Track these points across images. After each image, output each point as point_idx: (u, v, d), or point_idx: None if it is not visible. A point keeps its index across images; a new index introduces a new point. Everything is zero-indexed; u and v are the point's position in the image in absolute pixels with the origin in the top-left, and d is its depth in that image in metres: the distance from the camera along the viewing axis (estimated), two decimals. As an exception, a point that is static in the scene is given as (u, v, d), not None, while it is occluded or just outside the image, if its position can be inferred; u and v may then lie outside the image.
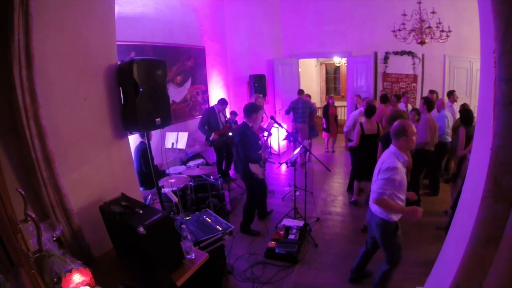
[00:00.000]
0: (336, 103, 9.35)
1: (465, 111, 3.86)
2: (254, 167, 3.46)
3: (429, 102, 4.04)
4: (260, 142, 3.65)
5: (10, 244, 0.94)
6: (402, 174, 2.17)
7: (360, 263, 2.74)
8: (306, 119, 6.14)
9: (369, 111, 4.05)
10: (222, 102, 5.28)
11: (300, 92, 6.34)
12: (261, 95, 5.70)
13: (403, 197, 2.26)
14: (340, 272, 2.95)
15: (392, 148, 2.24)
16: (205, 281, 2.26)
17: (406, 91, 6.45)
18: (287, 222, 3.72)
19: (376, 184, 2.21)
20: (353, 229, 3.79)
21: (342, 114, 9.72)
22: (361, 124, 4.12)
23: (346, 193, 4.86)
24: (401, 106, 5.48)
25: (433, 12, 5.20)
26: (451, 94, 5.25)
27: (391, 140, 2.96)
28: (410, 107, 5.73)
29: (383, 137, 3.53)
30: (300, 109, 6.08)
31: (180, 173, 4.02)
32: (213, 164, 5.61)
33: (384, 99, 5.17)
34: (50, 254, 1.40)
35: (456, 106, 5.10)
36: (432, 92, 5.53)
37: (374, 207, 2.33)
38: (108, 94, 2.08)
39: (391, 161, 2.16)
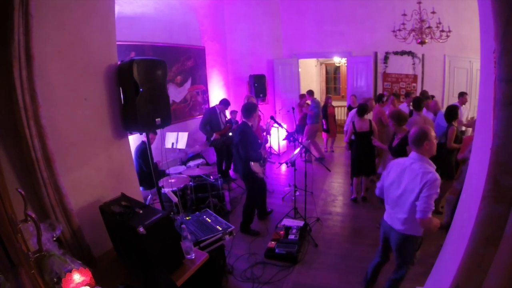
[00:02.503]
0: (336, 103, 9.35)
1: (448, 107, 3.90)
2: (254, 166, 3.47)
3: (416, 102, 4.09)
4: (260, 141, 3.66)
5: (10, 244, 0.94)
6: None
7: (373, 273, 2.58)
8: (318, 119, 6.38)
9: (360, 110, 4.25)
10: (225, 103, 5.28)
11: (311, 93, 6.51)
12: (252, 96, 5.80)
13: None
14: (340, 272, 2.95)
15: (416, 156, 2.01)
16: (205, 281, 2.25)
17: (411, 92, 6.40)
18: (287, 222, 3.72)
19: (421, 201, 1.89)
20: (353, 229, 3.79)
21: (342, 114, 9.73)
22: (353, 122, 4.29)
23: (346, 193, 4.86)
24: (403, 106, 5.42)
25: (433, 12, 5.20)
26: (461, 95, 5.22)
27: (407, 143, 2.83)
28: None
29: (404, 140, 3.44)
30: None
31: (180, 173, 4.02)
32: (213, 164, 5.61)
33: (378, 98, 5.25)
34: (50, 254, 1.40)
35: (464, 109, 5.11)
36: (431, 96, 5.48)
37: (397, 225, 2.11)
38: (108, 94, 2.08)
39: (434, 173, 1.91)
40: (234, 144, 3.69)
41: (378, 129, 4.45)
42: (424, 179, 1.89)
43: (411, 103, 5.00)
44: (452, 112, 3.66)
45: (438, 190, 1.89)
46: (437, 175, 1.90)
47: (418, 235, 2.10)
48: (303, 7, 7.29)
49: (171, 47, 5.36)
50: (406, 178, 2.01)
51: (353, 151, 4.44)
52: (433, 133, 2.03)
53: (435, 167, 2.00)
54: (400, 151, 3.19)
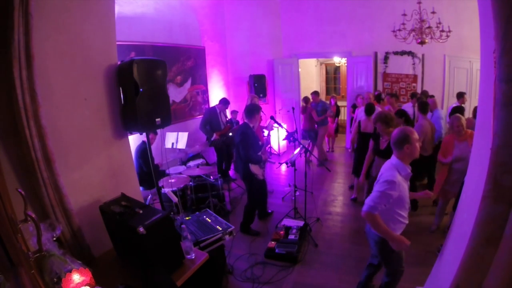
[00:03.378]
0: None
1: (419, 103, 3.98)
2: (254, 168, 3.47)
3: (422, 105, 4.05)
4: (260, 143, 3.65)
5: (10, 244, 0.94)
6: (402, 189, 1.93)
7: (368, 276, 2.49)
8: (326, 120, 6.26)
9: (368, 109, 4.21)
10: (224, 102, 5.28)
11: (317, 94, 6.43)
12: (256, 95, 5.76)
13: (404, 213, 2.04)
14: (340, 272, 2.95)
15: (393, 159, 2.01)
16: (205, 281, 2.25)
17: (417, 93, 6.28)
18: (287, 222, 3.72)
19: (370, 196, 1.95)
20: (353, 229, 3.79)
21: (342, 114, 9.71)
22: (359, 122, 4.27)
23: (346, 193, 4.86)
24: (408, 106, 5.35)
25: (433, 12, 5.20)
26: (460, 96, 5.22)
27: (379, 137, 2.87)
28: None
29: (374, 134, 3.49)
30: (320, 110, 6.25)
31: (180, 173, 4.02)
32: (213, 164, 5.61)
33: (377, 98, 5.23)
34: (50, 254, 1.40)
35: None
36: (431, 96, 5.46)
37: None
38: (108, 94, 2.08)
39: (389, 174, 1.92)
40: (235, 145, 3.69)
41: None
42: (378, 177, 1.99)
43: (416, 104, 5.01)
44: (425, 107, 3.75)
45: (390, 192, 1.87)
46: (392, 177, 1.88)
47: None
48: (303, 7, 7.28)
49: (171, 47, 5.36)
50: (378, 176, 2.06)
51: (356, 151, 4.41)
52: (416, 136, 1.97)
53: (407, 171, 1.95)
54: (389, 153, 3.15)
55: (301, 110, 6.63)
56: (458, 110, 3.72)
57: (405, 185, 1.99)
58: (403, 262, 2.19)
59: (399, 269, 2.19)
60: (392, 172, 1.93)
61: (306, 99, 6.39)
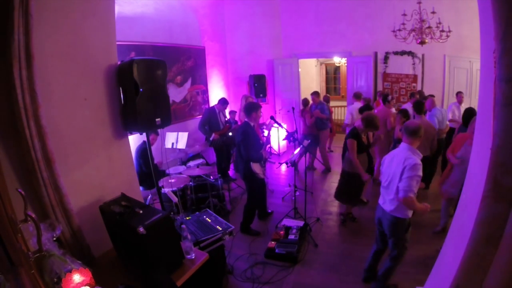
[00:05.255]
0: (337, 103, 9.34)
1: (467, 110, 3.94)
2: (255, 167, 3.47)
3: (417, 105, 4.08)
4: (261, 142, 3.66)
5: (10, 244, 0.94)
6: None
7: (372, 262, 2.76)
8: (326, 124, 5.76)
9: (366, 109, 4.23)
10: (223, 102, 5.27)
11: (318, 95, 5.93)
12: (250, 95, 5.69)
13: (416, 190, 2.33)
14: (340, 272, 2.95)
15: (407, 147, 2.30)
16: (205, 281, 2.25)
17: (415, 92, 6.24)
18: (287, 222, 3.72)
19: (402, 182, 2.20)
20: (353, 229, 3.79)
21: (342, 114, 9.71)
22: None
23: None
24: (408, 106, 5.32)
25: (433, 12, 5.20)
26: (458, 94, 5.25)
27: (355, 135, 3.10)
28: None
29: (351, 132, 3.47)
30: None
31: (180, 173, 4.02)
32: (213, 164, 5.61)
33: (384, 98, 5.19)
34: (50, 254, 1.40)
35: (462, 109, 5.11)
36: (430, 95, 5.45)
37: (388, 206, 2.38)
38: (108, 94, 2.08)
39: (414, 159, 2.20)
40: (236, 144, 3.69)
41: (382, 133, 4.26)
42: (405, 163, 2.21)
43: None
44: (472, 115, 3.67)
45: (420, 173, 2.17)
46: (417, 160, 2.19)
47: (405, 217, 2.35)
48: (303, 7, 7.28)
49: (171, 47, 5.36)
50: (394, 165, 2.33)
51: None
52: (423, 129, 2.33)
53: (420, 155, 2.28)
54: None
55: (300, 113, 6.02)
56: (472, 111, 3.74)
57: None
58: (407, 242, 2.45)
59: (404, 252, 2.45)
60: (414, 156, 2.24)
61: (305, 102, 5.89)
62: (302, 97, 6.60)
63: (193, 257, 1.83)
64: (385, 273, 2.55)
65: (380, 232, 2.63)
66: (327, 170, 5.77)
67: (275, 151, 7.15)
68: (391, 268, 2.52)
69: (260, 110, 3.55)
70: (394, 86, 6.94)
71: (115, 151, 2.17)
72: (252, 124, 3.49)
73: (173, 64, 5.39)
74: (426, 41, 5.31)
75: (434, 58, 6.53)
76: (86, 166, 1.94)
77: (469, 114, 3.75)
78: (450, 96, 6.67)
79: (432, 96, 5.08)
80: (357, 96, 5.75)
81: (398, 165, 2.27)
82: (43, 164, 1.57)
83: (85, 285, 1.37)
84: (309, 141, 4.97)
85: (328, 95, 7.84)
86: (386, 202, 2.42)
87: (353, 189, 3.60)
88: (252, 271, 3.02)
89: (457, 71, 6.63)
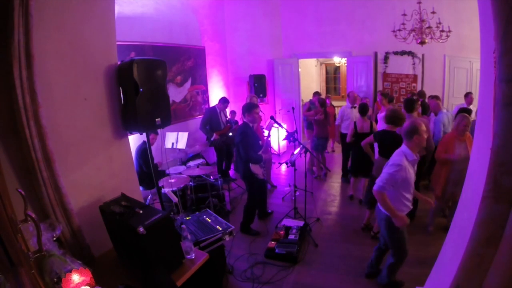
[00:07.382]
0: (336, 103, 9.33)
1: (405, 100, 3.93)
2: (254, 168, 3.46)
3: (407, 103, 3.85)
4: (261, 142, 3.65)
5: (10, 244, 0.94)
6: (407, 173, 2.23)
7: (375, 258, 2.78)
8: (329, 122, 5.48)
9: (362, 109, 4.19)
10: (224, 101, 5.27)
11: (317, 94, 6.03)
12: (255, 95, 5.67)
13: (409, 196, 2.34)
14: (340, 272, 2.95)
15: (403, 147, 2.32)
16: (205, 281, 2.25)
17: (414, 92, 6.15)
18: (287, 222, 3.72)
19: (380, 176, 2.28)
20: (353, 229, 3.79)
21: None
22: (355, 122, 4.23)
23: (346, 193, 4.86)
24: None
25: (433, 12, 5.20)
26: (466, 96, 5.15)
27: (386, 138, 3.05)
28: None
29: (378, 135, 3.48)
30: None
31: (180, 173, 4.02)
32: (213, 164, 5.61)
33: (390, 99, 5.15)
34: (50, 254, 1.40)
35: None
36: (435, 97, 5.34)
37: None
38: (108, 94, 2.08)
39: (397, 159, 2.25)
40: (235, 144, 3.68)
41: None
42: (389, 162, 2.30)
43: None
44: (412, 106, 3.70)
45: (397, 174, 2.18)
46: (401, 161, 2.21)
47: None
48: (303, 7, 7.28)
49: (171, 47, 5.36)
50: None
51: (353, 152, 4.41)
52: (423, 128, 2.27)
53: (415, 157, 2.27)
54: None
55: (319, 114, 5.27)
56: (465, 111, 3.68)
57: (411, 170, 2.29)
58: (406, 245, 2.42)
59: (403, 250, 2.43)
60: (400, 157, 2.26)
61: (321, 101, 5.37)
62: (302, 97, 6.59)
63: (193, 257, 1.83)
64: (388, 270, 2.57)
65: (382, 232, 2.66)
66: (325, 174, 5.74)
67: (275, 151, 7.16)
68: (392, 265, 2.53)
69: (255, 111, 3.48)
70: (394, 86, 6.94)
71: (115, 151, 2.17)
72: (251, 125, 3.48)
73: (173, 64, 5.39)
74: (426, 41, 5.31)
75: (434, 58, 6.53)
76: (86, 166, 1.95)
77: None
78: (450, 96, 6.67)
79: (437, 98, 4.75)
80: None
81: (387, 165, 2.35)
82: (43, 164, 1.57)
83: (85, 285, 1.37)
84: (310, 140, 4.95)
85: (329, 95, 7.85)
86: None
87: None
88: (252, 271, 3.02)
89: (457, 71, 6.64)
